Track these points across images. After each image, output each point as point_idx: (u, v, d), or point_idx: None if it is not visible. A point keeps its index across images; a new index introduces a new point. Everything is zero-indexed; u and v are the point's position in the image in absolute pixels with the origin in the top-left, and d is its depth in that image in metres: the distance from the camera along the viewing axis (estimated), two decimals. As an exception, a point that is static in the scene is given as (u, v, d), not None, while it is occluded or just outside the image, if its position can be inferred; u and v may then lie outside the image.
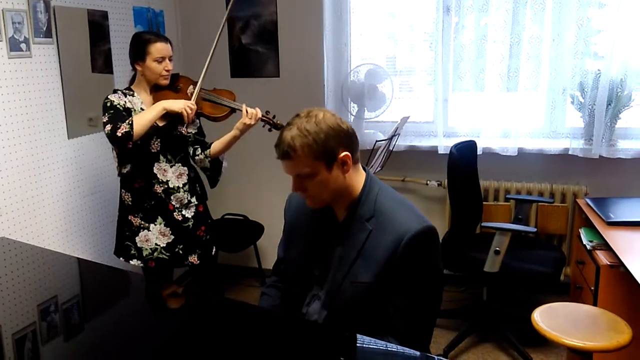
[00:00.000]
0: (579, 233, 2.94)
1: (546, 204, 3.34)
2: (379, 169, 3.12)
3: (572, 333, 2.04)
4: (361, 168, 1.64)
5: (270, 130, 2.64)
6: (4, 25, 2.34)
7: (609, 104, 3.17)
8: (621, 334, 2.03)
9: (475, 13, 3.36)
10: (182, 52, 3.74)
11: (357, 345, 1.38)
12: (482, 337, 3.10)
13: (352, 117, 3.54)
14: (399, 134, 3.17)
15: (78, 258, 2.05)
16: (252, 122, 2.55)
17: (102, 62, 2.98)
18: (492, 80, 3.36)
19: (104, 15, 2.97)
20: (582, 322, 2.13)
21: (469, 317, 3.20)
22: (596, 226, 2.71)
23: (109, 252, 3.09)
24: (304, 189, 1.56)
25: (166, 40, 2.53)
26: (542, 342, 2.95)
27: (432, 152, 3.46)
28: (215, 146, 2.64)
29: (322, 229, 1.67)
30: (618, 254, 2.35)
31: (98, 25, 2.93)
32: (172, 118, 2.49)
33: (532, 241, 3.18)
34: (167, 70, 2.51)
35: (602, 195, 3.20)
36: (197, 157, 2.65)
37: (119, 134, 2.33)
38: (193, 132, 2.63)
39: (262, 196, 3.66)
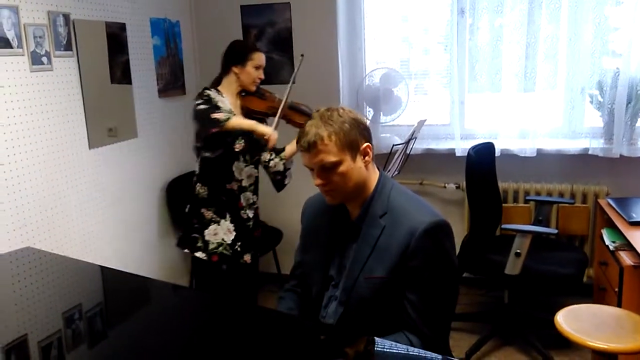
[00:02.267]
0: (601, 234, 2.90)
1: (567, 204, 3.31)
2: (396, 172, 3.11)
3: (596, 335, 2.01)
4: (375, 167, 1.67)
5: None
6: (26, 40, 2.39)
7: (629, 103, 3.13)
8: (647, 336, 2.00)
9: (489, 14, 3.35)
10: (197, 62, 3.79)
11: (378, 349, 1.38)
12: (504, 340, 3.07)
13: (368, 121, 3.55)
14: (416, 138, 3.17)
15: (101, 266, 2.07)
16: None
17: (120, 73, 3.02)
18: (508, 81, 3.34)
19: (122, 27, 3.02)
20: (606, 324, 2.11)
21: (491, 321, 3.18)
22: (618, 226, 2.67)
23: (131, 259, 3.14)
24: (327, 182, 1.58)
25: (264, 52, 2.73)
26: (566, 344, 2.91)
27: (450, 154, 3.45)
28: (289, 149, 2.81)
29: (337, 229, 1.70)
30: (641, 254, 2.32)
31: (116, 37, 2.98)
32: (251, 140, 2.65)
33: (554, 243, 3.15)
34: (260, 79, 2.71)
35: (623, 195, 3.16)
36: (272, 162, 2.81)
37: (212, 116, 2.48)
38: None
39: (280, 202, 3.67)
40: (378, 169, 1.68)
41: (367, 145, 1.59)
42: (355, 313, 1.62)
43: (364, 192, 1.63)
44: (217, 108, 2.53)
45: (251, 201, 2.79)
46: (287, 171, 2.85)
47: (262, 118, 2.70)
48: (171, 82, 3.49)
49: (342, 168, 1.55)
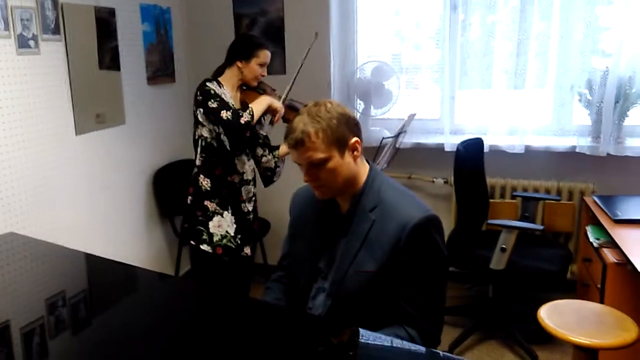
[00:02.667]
0: (586, 231, 2.93)
1: (553, 201, 3.33)
2: (385, 166, 3.11)
3: (578, 330, 2.04)
4: (365, 160, 1.66)
5: None
6: (13, 22, 2.35)
7: (617, 102, 3.16)
8: (628, 332, 2.03)
9: (482, 10, 3.35)
10: (188, 49, 3.75)
11: (361, 341, 1.38)
12: (488, 334, 3.09)
13: (359, 114, 3.55)
14: (405, 131, 3.17)
15: (85, 253, 2.06)
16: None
17: (109, 59, 2.99)
18: (499, 77, 3.35)
19: (112, 12, 2.99)
20: (589, 320, 2.13)
21: (475, 314, 3.20)
22: (603, 224, 2.70)
23: (118, 247, 3.12)
24: (316, 178, 1.57)
25: (269, 49, 2.72)
26: (548, 339, 2.94)
27: (439, 149, 3.45)
28: (283, 148, 2.80)
29: (327, 222, 1.69)
30: (625, 252, 2.34)
31: (105, 22, 2.94)
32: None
33: (539, 239, 3.18)
34: (262, 75, 2.71)
35: (609, 193, 3.19)
36: (264, 158, 2.82)
37: (242, 122, 2.50)
38: (263, 134, 2.82)
39: (269, 194, 3.66)
40: (368, 162, 1.67)
41: (356, 140, 1.58)
42: (344, 306, 1.62)
43: (354, 186, 1.62)
44: (230, 107, 2.53)
45: (251, 194, 2.80)
46: (277, 169, 2.86)
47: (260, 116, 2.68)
48: (161, 69, 3.46)
49: (330, 164, 1.54)
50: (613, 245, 2.57)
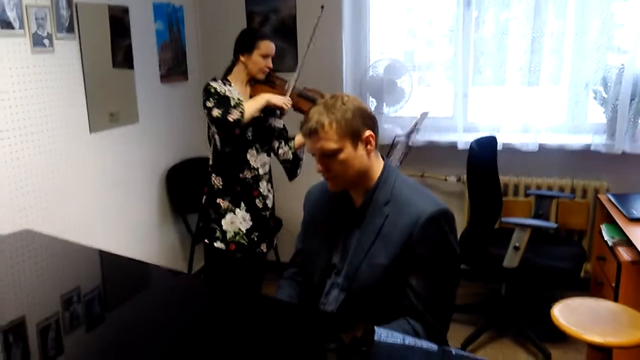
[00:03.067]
0: (600, 229, 2.90)
1: (567, 199, 3.31)
2: (397, 164, 3.10)
3: (592, 329, 2.02)
4: (380, 156, 1.67)
5: None
6: (28, 21, 2.38)
7: (633, 99, 3.12)
8: (643, 331, 2.01)
9: (496, 7, 3.33)
10: (201, 47, 3.77)
11: (375, 339, 1.38)
12: (501, 332, 3.08)
13: (371, 112, 3.53)
14: (418, 129, 3.16)
15: (99, 250, 2.08)
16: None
17: (122, 57, 3.01)
18: (512, 74, 3.33)
19: (125, 10, 3.01)
20: (603, 318, 2.11)
21: (488, 313, 3.19)
22: (618, 222, 2.68)
23: (131, 244, 3.14)
24: (328, 169, 1.59)
25: (273, 40, 2.69)
26: (561, 338, 2.92)
27: (452, 147, 3.44)
28: (299, 137, 2.76)
29: (340, 216, 1.70)
30: (640, 251, 2.32)
31: (119, 20, 2.96)
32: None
33: (552, 237, 3.15)
34: (268, 67, 2.67)
35: (624, 191, 3.16)
36: (280, 150, 2.80)
37: (230, 119, 2.47)
38: (280, 127, 2.79)
39: (281, 191, 3.67)
40: (383, 158, 1.68)
41: (370, 134, 1.59)
42: (357, 300, 1.63)
43: (367, 180, 1.63)
44: (225, 104, 2.52)
45: (267, 189, 2.79)
46: (299, 161, 2.84)
47: (272, 108, 2.68)
48: (173, 68, 3.48)
49: (342, 156, 1.56)
50: (628, 243, 2.55)
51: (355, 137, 1.57)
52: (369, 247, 1.60)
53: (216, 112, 2.49)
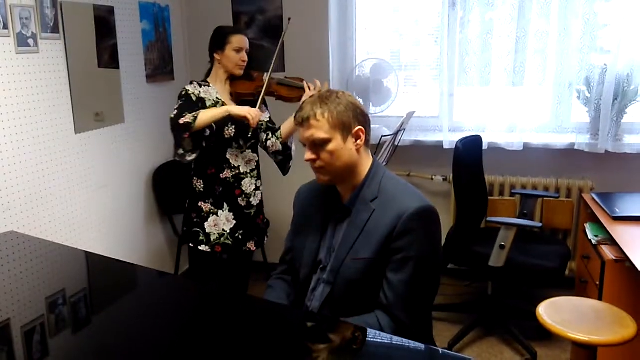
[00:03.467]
0: (585, 228, 2.94)
1: (552, 198, 3.34)
2: (384, 163, 3.12)
3: (577, 327, 2.04)
4: (370, 154, 1.71)
5: None
6: (12, 21, 2.35)
7: (615, 99, 3.16)
8: (626, 329, 2.04)
9: (480, 7, 3.36)
10: (187, 48, 3.75)
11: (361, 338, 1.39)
12: (487, 331, 3.11)
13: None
14: (404, 129, 3.17)
15: (85, 251, 2.06)
16: (316, 93, 2.58)
17: (108, 57, 2.99)
18: (497, 74, 3.35)
19: (110, 10, 2.98)
20: (587, 317, 2.14)
21: (474, 311, 3.21)
22: (602, 221, 2.71)
23: (117, 245, 3.12)
24: (317, 157, 1.63)
25: (245, 34, 2.70)
26: (547, 336, 2.95)
27: (438, 146, 3.46)
28: (284, 127, 2.77)
29: (329, 213, 1.73)
30: (623, 249, 2.35)
31: (104, 20, 2.94)
32: (240, 125, 2.62)
33: (538, 236, 3.18)
34: (243, 61, 2.66)
35: (607, 190, 3.20)
36: (269, 142, 2.76)
37: (180, 122, 2.47)
38: (266, 120, 2.78)
39: (269, 192, 3.67)
40: (372, 156, 1.71)
41: (360, 129, 1.63)
42: (341, 294, 1.64)
43: (355, 176, 1.66)
44: (187, 108, 2.49)
45: (253, 187, 2.77)
46: (288, 150, 2.82)
47: (254, 100, 2.67)
48: (160, 68, 3.46)
49: (331, 146, 1.61)
50: (611, 242, 2.58)
51: (345, 130, 1.61)
52: (353, 241, 1.62)
53: (173, 114, 2.51)
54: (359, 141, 1.64)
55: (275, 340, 1.43)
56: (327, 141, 1.60)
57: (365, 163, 1.68)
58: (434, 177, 3.59)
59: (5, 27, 2.32)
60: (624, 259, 2.41)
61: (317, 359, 1.31)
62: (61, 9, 2.62)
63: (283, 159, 2.83)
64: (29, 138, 2.50)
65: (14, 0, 2.36)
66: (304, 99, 2.59)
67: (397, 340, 1.37)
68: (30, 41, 2.46)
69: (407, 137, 3.42)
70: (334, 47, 3.56)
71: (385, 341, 1.37)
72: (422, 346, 1.34)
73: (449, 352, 1.43)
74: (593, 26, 3.19)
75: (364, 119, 1.65)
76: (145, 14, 3.29)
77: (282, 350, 1.39)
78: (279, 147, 2.78)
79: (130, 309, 1.64)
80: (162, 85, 3.49)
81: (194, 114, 2.48)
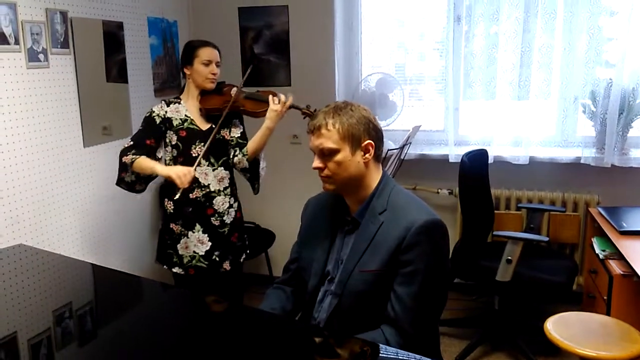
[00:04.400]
0: (592, 242, 2.92)
1: (558, 212, 3.33)
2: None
3: (585, 343, 2.03)
4: (380, 168, 1.72)
5: (304, 117, 2.57)
6: (23, 37, 2.39)
7: (621, 113, 3.16)
8: (635, 344, 2.02)
9: (485, 22, 3.37)
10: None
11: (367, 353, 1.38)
12: (494, 346, 3.08)
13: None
14: (410, 143, 3.18)
15: (92, 264, 2.07)
16: (279, 108, 2.54)
17: (116, 71, 3.02)
18: (503, 88, 3.36)
19: (119, 25, 3.02)
20: (595, 332, 2.12)
21: (481, 326, 3.19)
22: (609, 235, 2.70)
23: (124, 258, 3.13)
24: (324, 166, 1.65)
25: (214, 47, 2.62)
26: (555, 351, 2.92)
27: (443, 160, 3.46)
28: (251, 143, 2.63)
29: (337, 225, 1.74)
30: (631, 264, 2.34)
31: (113, 35, 2.98)
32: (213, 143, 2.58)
33: (544, 250, 3.17)
34: (214, 74, 2.59)
35: (614, 204, 3.19)
36: (235, 159, 2.63)
37: (123, 160, 2.52)
38: (236, 136, 2.66)
39: (274, 204, 3.68)
40: (383, 169, 1.72)
41: (369, 143, 1.64)
42: (348, 306, 1.64)
43: (363, 188, 1.67)
44: (138, 140, 2.54)
45: (227, 205, 2.66)
46: (257, 167, 2.67)
47: (220, 115, 2.57)
48: (167, 82, 3.50)
49: (339, 157, 1.62)
50: (619, 256, 2.56)
51: (354, 142, 1.62)
52: (361, 253, 1.62)
53: (126, 143, 2.54)
54: (367, 155, 1.65)
55: (275, 356, 1.43)
56: (335, 151, 1.62)
57: (374, 176, 1.69)
58: (439, 190, 3.59)
59: (17, 42, 2.36)
60: (631, 274, 2.40)
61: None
62: (71, 25, 2.66)
63: (251, 176, 2.71)
64: (39, 152, 2.53)
65: (26, 16, 2.40)
66: (268, 113, 2.56)
67: (402, 354, 1.36)
68: (41, 56, 2.50)
69: (412, 151, 3.43)
70: (339, 61, 3.59)
71: (391, 355, 1.37)
72: (426, 360, 1.33)
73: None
74: (598, 40, 3.20)
75: (375, 134, 1.66)
76: (153, 29, 3.33)
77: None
78: (246, 164, 2.64)
79: (136, 322, 1.64)
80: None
81: (134, 157, 2.49)
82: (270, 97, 2.59)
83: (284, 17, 3.60)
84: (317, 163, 1.66)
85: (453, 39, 3.37)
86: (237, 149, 2.64)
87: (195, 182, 2.56)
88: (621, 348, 2.01)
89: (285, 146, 3.64)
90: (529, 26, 3.25)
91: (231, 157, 2.65)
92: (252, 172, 2.69)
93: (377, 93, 3.46)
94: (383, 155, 2.89)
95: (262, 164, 2.72)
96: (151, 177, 2.62)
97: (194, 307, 1.77)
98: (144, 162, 2.50)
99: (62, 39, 2.62)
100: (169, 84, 3.51)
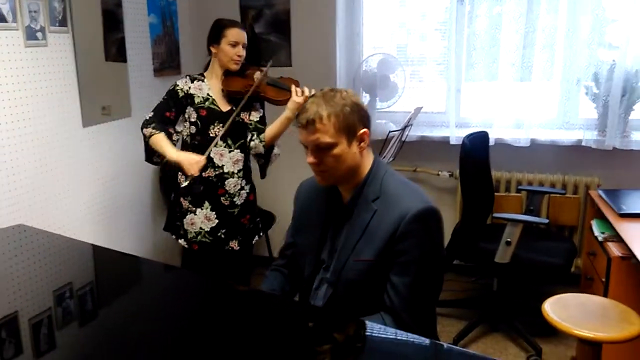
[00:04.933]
0: (591, 224, 2.93)
1: (558, 195, 3.33)
2: (391, 159, 3.12)
3: (583, 324, 2.04)
4: (371, 152, 1.67)
5: None
6: (21, 14, 2.36)
7: (623, 95, 3.14)
8: (632, 325, 2.03)
9: (489, 2, 3.34)
10: (194, 41, 3.75)
11: (366, 333, 1.39)
12: (492, 327, 3.10)
13: (364, 107, 3.54)
14: (411, 125, 3.17)
15: (92, 245, 2.07)
16: (301, 101, 2.52)
17: (115, 50, 2.99)
18: (505, 70, 3.34)
19: (118, 3, 2.99)
20: (593, 313, 2.14)
21: (479, 307, 3.21)
22: (608, 218, 2.70)
23: (123, 239, 3.14)
24: (320, 162, 1.59)
25: (243, 28, 2.61)
26: (552, 332, 2.95)
27: (444, 142, 3.45)
28: (269, 131, 2.65)
29: (330, 212, 1.71)
30: (630, 246, 2.34)
31: (112, 13, 2.95)
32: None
33: (544, 232, 3.18)
34: (239, 56, 2.57)
35: (614, 187, 3.19)
36: (252, 143, 2.65)
37: (143, 131, 2.60)
38: (255, 120, 2.66)
39: (273, 186, 3.67)
40: (374, 153, 1.68)
41: (364, 132, 1.59)
42: (344, 295, 1.64)
43: (357, 176, 1.63)
44: (160, 112, 2.59)
45: (239, 187, 2.68)
46: (270, 155, 2.71)
47: (241, 99, 2.58)
48: (167, 62, 3.47)
49: (336, 150, 1.56)
50: (618, 239, 2.57)
51: (351, 133, 1.57)
52: (355, 242, 1.60)
53: (148, 115, 2.60)
54: (362, 144, 1.60)
55: (276, 336, 1.44)
56: (332, 145, 1.55)
57: (367, 162, 1.64)
58: (440, 172, 3.59)
59: (14, 20, 2.33)
60: (630, 256, 2.41)
61: (319, 354, 1.32)
62: (69, 2, 2.63)
63: (264, 162, 2.74)
64: (37, 131, 2.51)
65: (23, -6, 2.36)
66: (289, 104, 2.56)
67: (401, 335, 1.37)
68: (39, 34, 2.47)
69: (413, 133, 3.41)
70: (340, 42, 3.56)
71: (390, 336, 1.38)
72: (426, 340, 1.34)
73: (454, 346, 1.43)
74: (601, 22, 3.16)
75: (367, 120, 1.61)
76: (152, 8, 3.29)
77: (283, 346, 1.39)
78: (262, 150, 2.66)
79: (137, 301, 1.65)
80: (169, 79, 3.48)
81: (153, 130, 2.55)
82: (293, 87, 2.58)
83: (285, -4, 3.55)
84: (312, 159, 1.59)
85: (456, 19, 3.34)
86: (255, 133, 2.66)
87: (209, 162, 2.59)
88: (619, 329, 2.02)
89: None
90: (533, 7, 3.22)
91: (248, 140, 2.67)
92: (266, 158, 2.72)
93: (379, 74, 3.44)
94: (385, 137, 2.90)
95: (276, 150, 2.75)
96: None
97: (195, 288, 1.77)
98: (158, 141, 2.56)
99: (60, 17, 2.58)
100: (168, 64, 3.48)
